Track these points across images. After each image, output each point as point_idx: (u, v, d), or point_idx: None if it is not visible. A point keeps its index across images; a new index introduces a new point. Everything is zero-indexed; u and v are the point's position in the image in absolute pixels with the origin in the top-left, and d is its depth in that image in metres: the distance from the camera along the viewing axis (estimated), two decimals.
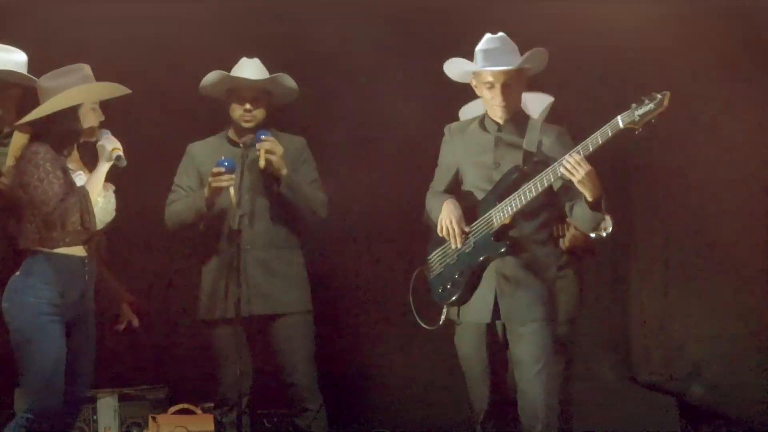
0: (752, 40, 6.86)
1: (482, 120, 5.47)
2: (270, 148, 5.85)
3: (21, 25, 6.20)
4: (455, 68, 5.42)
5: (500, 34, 5.35)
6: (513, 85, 5.34)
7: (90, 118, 5.22)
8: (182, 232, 6.15)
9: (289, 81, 6.08)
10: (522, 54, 5.36)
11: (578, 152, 5.03)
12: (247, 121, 6.00)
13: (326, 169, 6.10)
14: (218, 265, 5.95)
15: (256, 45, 6.13)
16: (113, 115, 5.33)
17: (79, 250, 5.19)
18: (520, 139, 5.36)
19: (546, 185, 5.14)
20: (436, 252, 5.49)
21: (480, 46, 5.34)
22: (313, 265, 6.17)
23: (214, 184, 5.84)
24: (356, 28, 6.91)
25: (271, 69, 6.02)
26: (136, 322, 5.58)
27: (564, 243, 5.95)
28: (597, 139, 5.02)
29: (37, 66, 5.42)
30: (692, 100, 6.77)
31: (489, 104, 5.39)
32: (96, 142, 5.25)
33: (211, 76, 6.01)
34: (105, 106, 5.25)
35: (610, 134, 5.01)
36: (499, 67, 5.27)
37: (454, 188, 5.51)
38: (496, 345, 5.39)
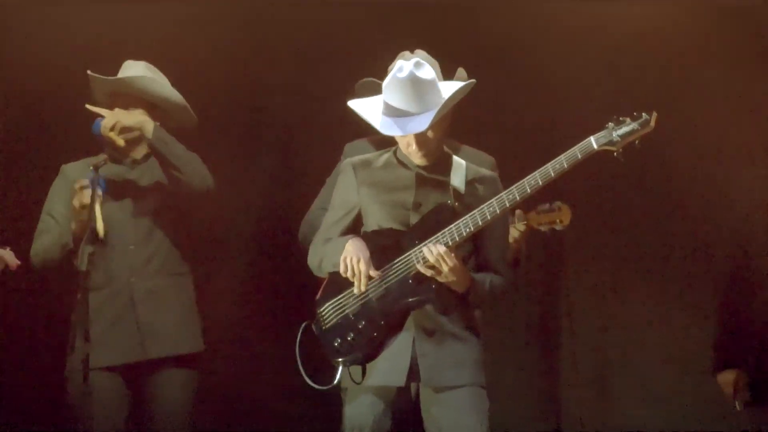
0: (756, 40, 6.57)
1: (395, 153, 4.73)
2: (112, 119, 5.28)
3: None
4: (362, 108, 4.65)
5: (410, 70, 4.49)
6: (434, 130, 4.57)
7: None
8: (50, 272, 5.51)
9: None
10: (448, 71, 4.79)
11: (448, 243, 4.46)
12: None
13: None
14: (97, 307, 5.25)
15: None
16: None
17: None
18: (445, 177, 4.66)
19: (465, 234, 4.50)
20: (330, 303, 4.70)
21: (385, 94, 4.54)
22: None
23: (75, 202, 5.20)
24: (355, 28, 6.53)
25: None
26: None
27: None
28: (562, 163, 4.44)
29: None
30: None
31: (404, 149, 4.66)
32: None
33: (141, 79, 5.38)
34: None
35: (579, 157, 4.45)
36: (404, 132, 4.51)
37: (350, 233, 4.77)
38: (404, 416, 4.68)
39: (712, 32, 6.47)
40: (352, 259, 4.54)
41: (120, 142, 5.27)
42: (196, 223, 5.49)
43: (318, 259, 4.74)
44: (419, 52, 5.08)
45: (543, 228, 5.13)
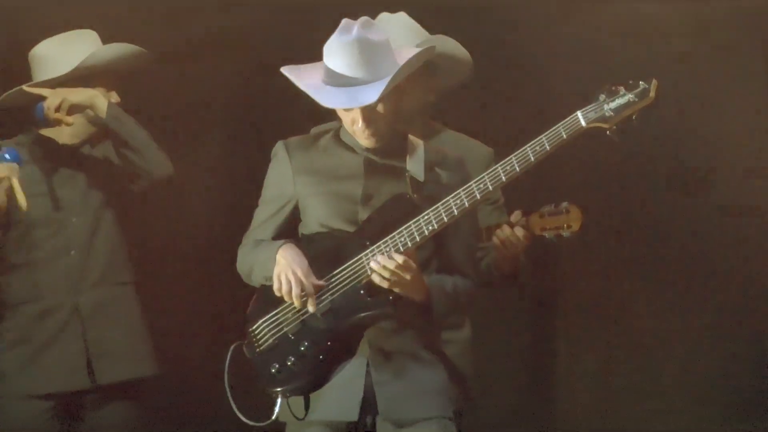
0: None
1: (338, 133, 4.13)
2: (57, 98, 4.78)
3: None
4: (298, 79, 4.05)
5: (356, 32, 3.91)
6: (386, 105, 3.98)
7: None
8: None
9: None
10: (427, 37, 4.53)
11: (406, 244, 3.89)
12: None
13: None
14: (24, 325, 4.84)
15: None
16: None
17: None
18: (401, 163, 4.07)
19: (426, 234, 3.94)
20: (264, 319, 4.10)
21: (326, 58, 3.95)
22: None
23: None
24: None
25: None
26: None
27: None
28: (543, 145, 3.93)
29: None
30: None
31: (348, 127, 4.06)
32: None
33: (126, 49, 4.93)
34: None
35: (564, 137, 3.93)
36: (350, 104, 3.93)
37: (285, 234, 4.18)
38: None
39: (718, 30, 6.21)
40: (287, 274, 3.96)
41: (69, 121, 4.79)
42: (141, 221, 5.07)
43: (248, 267, 4.15)
44: (401, 14, 4.74)
45: (547, 234, 4.48)
